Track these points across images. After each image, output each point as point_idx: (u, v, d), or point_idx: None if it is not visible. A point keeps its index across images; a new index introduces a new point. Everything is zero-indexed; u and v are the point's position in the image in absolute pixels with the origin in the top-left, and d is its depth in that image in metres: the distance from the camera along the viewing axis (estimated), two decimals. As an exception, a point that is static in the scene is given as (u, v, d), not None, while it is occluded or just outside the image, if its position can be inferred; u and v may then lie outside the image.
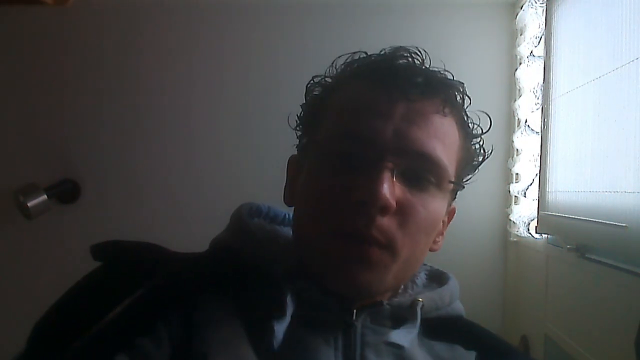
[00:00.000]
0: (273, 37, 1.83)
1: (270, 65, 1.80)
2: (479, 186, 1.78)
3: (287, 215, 0.65)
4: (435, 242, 0.58)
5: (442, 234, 0.60)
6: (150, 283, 0.52)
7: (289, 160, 0.62)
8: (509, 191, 1.74)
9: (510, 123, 1.79)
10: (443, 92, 0.54)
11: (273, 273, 0.53)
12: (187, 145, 1.85)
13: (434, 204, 0.53)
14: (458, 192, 0.59)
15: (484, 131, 0.59)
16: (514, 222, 1.68)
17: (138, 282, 0.52)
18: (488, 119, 0.59)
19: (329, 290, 0.52)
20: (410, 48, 0.56)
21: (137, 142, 1.85)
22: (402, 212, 0.50)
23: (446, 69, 0.57)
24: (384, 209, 0.49)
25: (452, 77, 0.57)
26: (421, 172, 0.52)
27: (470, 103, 0.58)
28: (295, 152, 0.62)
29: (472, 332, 0.61)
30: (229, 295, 0.53)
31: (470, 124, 0.59)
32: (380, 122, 0.51)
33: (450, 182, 0.54)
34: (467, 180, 0.59)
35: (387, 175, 0.49)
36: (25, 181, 1.73)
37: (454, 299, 0.61)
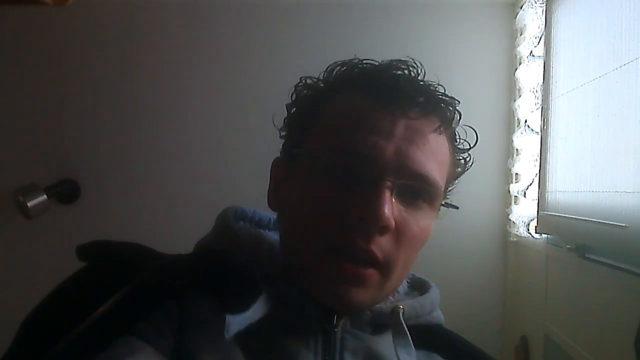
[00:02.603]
0: (271, 37, 1.83)
1: (270, 66, 1.80)
2: (479, 186, 1.78)
3: (272, 219, 0.65)
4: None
5: None
6: (135, 280, 0.51)
7: (273, 163, 0.61)
8: (509, 191, 1.74)
9: (510, 123, 1.79)
10: (440, 110, 0.55)
11: (253, 276, 0.53)
12: (187, 145, 1.85)
13: (426, 222, 0.54)
14: (453, 193, 0.59)
15: (471, 146, 0.60)
16: (513, 222, 1.68)
17: (123, 281, 0.52)
18: (474, 134, 0.60)
19: (310, 296, 0.52)
20: (408, 61, 0.56)
21: (137, 142, 1.85)
22: (398, 230, 0.51)
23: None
24: (384, 229, 0.49)
25: (446, 93, 0.57)
26: (417, 192, 0.53)
27: (460, 119, 0.59)
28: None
29: (451, 342, 0.61)
30: (215, 297, 0.53)
31: (457, 138, 0.60)
32: (382, 141, 0.51)
33: (444, 203, 0.56)
34: (449, 191, 0.60)
35: (387, 194, 0.49)
36: (25, 181, 1.74)
37: (434, 307, 0.62)
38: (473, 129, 0.60)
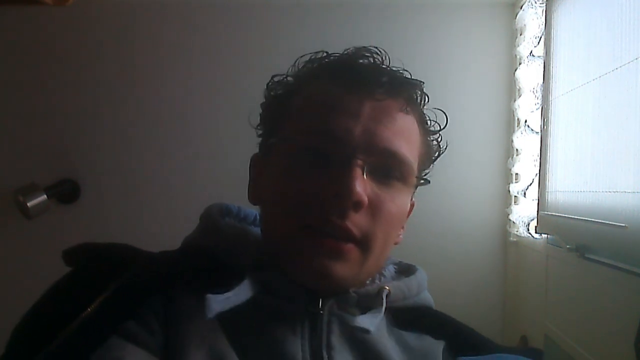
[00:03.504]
0: (271, 37, 1.83)
1: (270, 66, 1.80)
2: (479, 186, 1.78)
3: (257, 216, 0.65)
4: (397, 235, 0.59)
5: (402, 227, 0.61)
6: (122, 278, 0.52)
7: (251, 159, 0.63)
8: (509, 191, 1.74)
9: (510, 123, 1.79)
10: (406, 91, 0.57)
11: (239, 265, 0.54)
12: (187, 144, 1.85)
13: (401, 199, 0.55)
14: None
15: (441, 127, 0.62)
16: (513, 222, 1.68)
17: (112, 282, 0.52)
18: (444, 116, 0.61)
19: (295, 281, 0.53)
20: (372, 48, 0.58)
21: (136, 142, 1.85)
22: (373, 207, 0.52)
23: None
24: (357, 204, 0.50)
25: (411, 76, 0.59)
26: (389, 169, 0.54)
27: (428, 101, 0.60)
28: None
29: (441, 322, 0.62)
30: (202, 290, 0.53)
31: (427, 121, 0.61)
32: (350, 121, 0.52)
33: (416, 177, 0.57)
34: (426, 175, 0.61)
35: (358, 171, 0.51)
36: (25, 181, 1.74)
37: (421, 289, 0.62)
38: (443, 112, 0.61)
